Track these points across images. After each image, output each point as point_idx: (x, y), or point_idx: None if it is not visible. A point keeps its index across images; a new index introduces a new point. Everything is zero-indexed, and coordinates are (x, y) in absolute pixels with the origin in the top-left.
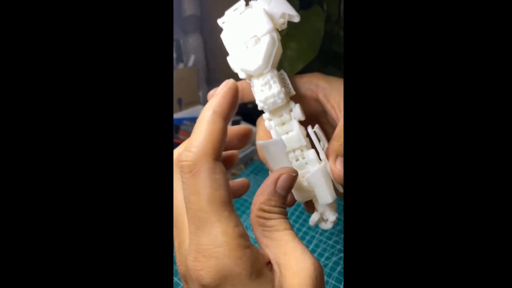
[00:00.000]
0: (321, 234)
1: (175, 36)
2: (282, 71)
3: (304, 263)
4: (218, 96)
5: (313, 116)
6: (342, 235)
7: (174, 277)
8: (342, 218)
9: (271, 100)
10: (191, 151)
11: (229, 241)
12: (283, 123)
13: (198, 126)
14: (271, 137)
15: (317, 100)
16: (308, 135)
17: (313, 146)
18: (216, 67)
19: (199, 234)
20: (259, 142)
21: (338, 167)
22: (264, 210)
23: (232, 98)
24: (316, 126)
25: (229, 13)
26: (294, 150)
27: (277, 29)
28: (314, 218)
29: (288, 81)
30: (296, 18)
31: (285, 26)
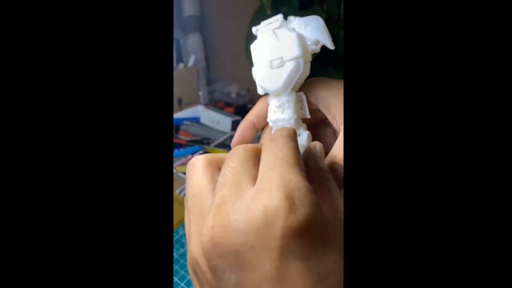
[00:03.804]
0: None
1: (175, 36)
2: (301, 93)
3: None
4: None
5: (316, 127)
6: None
7: (174, 277)
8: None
9: (280, 123)
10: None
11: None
12: None
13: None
14: None
15: (319, 111)
16: None
17: None
18: (216, 67)
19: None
20: None
21: None
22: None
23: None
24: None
25: (264, 24)
26: None
27: (309, 53)
28: None
29: (305, 104)
30: (331, 48)
31: (317, 50)
